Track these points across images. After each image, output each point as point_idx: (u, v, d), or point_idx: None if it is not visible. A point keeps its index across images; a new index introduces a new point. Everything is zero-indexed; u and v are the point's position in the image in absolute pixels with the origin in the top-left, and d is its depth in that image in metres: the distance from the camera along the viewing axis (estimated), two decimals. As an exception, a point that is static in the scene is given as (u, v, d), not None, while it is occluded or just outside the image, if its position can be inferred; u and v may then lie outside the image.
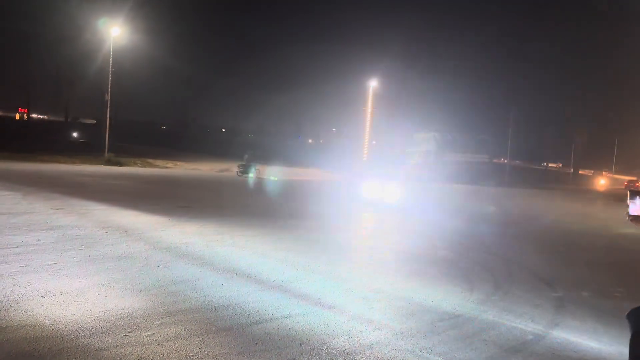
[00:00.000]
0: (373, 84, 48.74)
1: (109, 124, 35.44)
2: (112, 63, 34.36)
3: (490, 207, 23.95)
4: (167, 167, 35.88)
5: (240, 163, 30.66)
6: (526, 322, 6.37)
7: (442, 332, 5.78)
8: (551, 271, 9.78)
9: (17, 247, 8.18)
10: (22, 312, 5.31)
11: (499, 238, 13.69)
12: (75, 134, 62.90)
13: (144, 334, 4.99)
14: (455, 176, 43.16)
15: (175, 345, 4.78)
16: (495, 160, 54.20)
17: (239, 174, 30.11)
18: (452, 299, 7.12)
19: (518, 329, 6.10)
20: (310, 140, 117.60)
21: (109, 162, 33.15)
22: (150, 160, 39.10)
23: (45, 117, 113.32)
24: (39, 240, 8.79)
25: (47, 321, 5.10)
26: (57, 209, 12.42)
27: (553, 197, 35.85)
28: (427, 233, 13.43)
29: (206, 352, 4.71)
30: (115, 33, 34.38)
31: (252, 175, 29.88)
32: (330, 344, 5.13)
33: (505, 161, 65.47)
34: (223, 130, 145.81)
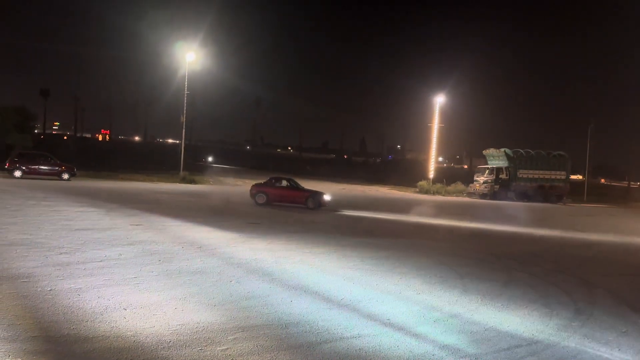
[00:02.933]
0: (440, 99, 47.96)
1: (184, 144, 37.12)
2: (187, 86, 36.13)
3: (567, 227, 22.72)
4: (237, 185, 36.98)
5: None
6: (612, 351, 5.95)
7: (520, 358, 5.51)
8: (638, 296, 9.10)
9: (101, 261, 8.72)
10: (106, 323, 5.63)
11: (578, 259, 12.92)
12: (210, 158, 65.66)
13: (218, 348, 5.13)
14: (528, 194, 41.34)
15: (248, 361, 4.88)
16: (572, 177, 51.37)
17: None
18: (529, 324, 6.78)
19: (603, 358, 5.71)
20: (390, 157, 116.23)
21: (183, 180, 34.72)
22: (221, 178, 40.51)
23: (125, 137, 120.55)
24: (120, 254, 9.32)
25: (129, 333, 5.38)
26: (137, 225, 13.12)
27: (637, 216, 33.47)
28: (498, 253, 12.92)
29: (278, 369, 4.77)
30: (190, 58, 36.18)
31: None
32: (401, 366, 5.03)
33: (582, 177, 61.90)
34: (289, 148, 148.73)
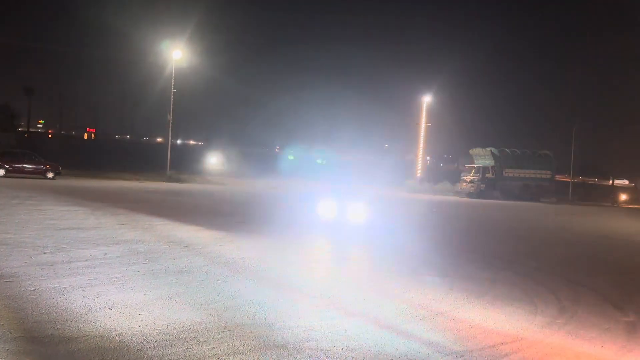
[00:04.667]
0: (427, 99, 48.24)
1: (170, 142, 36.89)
2: (174, 85, 35.92)
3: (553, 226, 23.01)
4: (224, 184, 36.86)
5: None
6: (595, 347, 6.03)
7: (505, 355, 5.57)
8: (621, 294, 9.23)
9: (86, 260, 8.63)
10: (91, 323, 5.58)
11: (562, 258, 13.09)
12: (213, 160, 63.28)
13: (204, 347, 5.11)
14: (514, 193, 41.77)
15: (235, 360, 4.86)
16: (558, 177, 52.07)
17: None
18: (514, 321, 6.85)
19: (586, 355, 5.79)
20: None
21: (170, 179, 34.54)
22: (209, 178, 40.34)
23: (111, 135, 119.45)
24: (106, 254, 9.24)
25: (114, 332, 5.33)
26: (123, 224, 13.02)
27: (622, 215, 33.96)
28: (489, 252, 13.04)
29: (264, 367, 4.76)
30: (176, 56, 35.97)
31: None
32: (387, 364, 5.06)
33: (567, 178, 62.65)
34: (277, 147, 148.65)
